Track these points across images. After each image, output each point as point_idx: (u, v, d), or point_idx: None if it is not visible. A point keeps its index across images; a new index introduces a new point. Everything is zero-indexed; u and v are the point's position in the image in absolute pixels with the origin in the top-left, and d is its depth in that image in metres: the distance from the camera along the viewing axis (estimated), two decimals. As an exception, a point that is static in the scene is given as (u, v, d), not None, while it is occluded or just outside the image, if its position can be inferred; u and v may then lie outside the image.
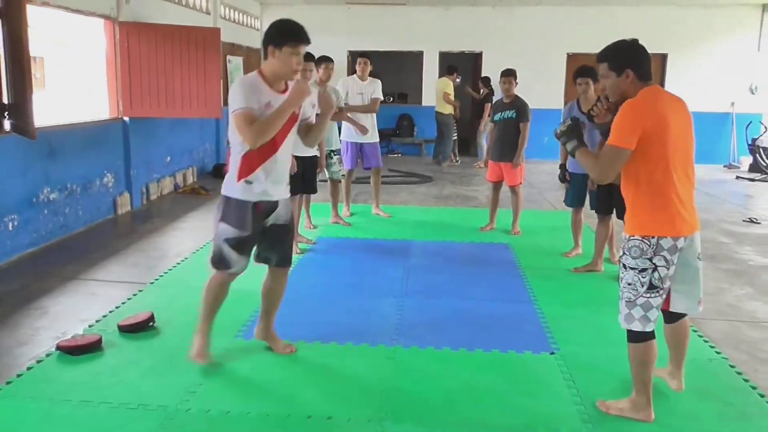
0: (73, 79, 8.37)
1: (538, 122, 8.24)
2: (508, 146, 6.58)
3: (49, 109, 7.62)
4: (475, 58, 13.88)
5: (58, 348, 3.70)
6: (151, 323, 4.07)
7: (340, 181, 7.04)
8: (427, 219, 7.57)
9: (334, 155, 6.82)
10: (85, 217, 6.80)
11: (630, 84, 2.99)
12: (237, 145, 3.28)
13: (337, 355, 3.78)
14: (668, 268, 2.88)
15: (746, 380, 3.54)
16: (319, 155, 6.09)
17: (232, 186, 3.31)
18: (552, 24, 13.10)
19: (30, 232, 5.84)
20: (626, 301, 2.95)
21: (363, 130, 7.00)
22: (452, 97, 12.15)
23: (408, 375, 3.54)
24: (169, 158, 8.98)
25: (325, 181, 6.98)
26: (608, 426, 3.04)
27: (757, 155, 11.85)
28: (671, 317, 3.24)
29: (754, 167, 11.89)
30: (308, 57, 5.77)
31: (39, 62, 8.33)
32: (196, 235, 6.51)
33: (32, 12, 5.82)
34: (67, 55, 8.32)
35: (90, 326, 4.11)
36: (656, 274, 2.87)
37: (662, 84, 13.21)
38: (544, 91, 12.71)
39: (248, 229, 3.30)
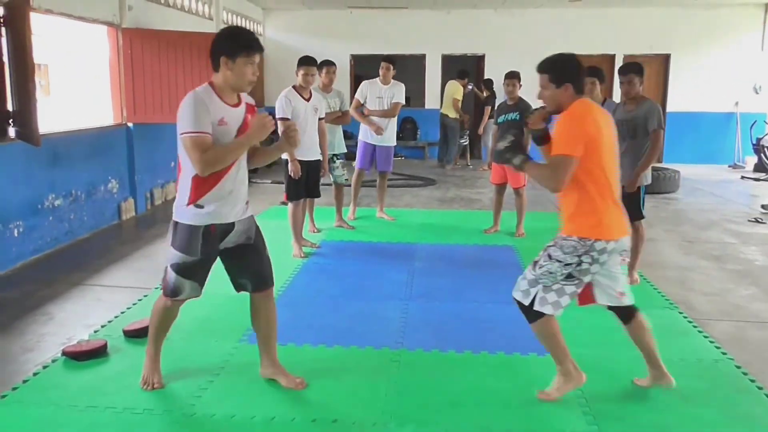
0: (78, 86, 8.39)
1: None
2: (511, 148, 6.56)
3: (54, 116, 7.63)
4: (478, 61, 13.88)
5: (64, 353, 3.71)
6: (156, 328, 4.07)
7: (344, 185, 7.04)
8: (431, 222, 7.57)
9: (338, 159, 6.83)
10: (90, 223, 6.82)
11: (568, 96, 3.12)
12: (185, 166, 3.07)
13: (341, 358, 3.78)
14: (591, 266, 3.08)
15: (752, 381, 3.53)
16: (322, 159, 6.10)
17: (182, 210, 3.08)
18: (554, 26, 13.08)
19: (35, 239, 5.86)
20: (543, 285, 3.13)
21: (378, 131, 7.00)
22: (460, 104, 12.16)
23: (413, 378, 3.54)
24: (173, 163, 8.99)
25: (329, 185, 6.99)
26: (614, 427, 3.04)
27: (762, 155, 11.81)
28: (624, 317, 3.37)
29: (759, 167, 11.86)
30: (311, 61, 5.79)
31: (43, 69, 8.34)
32: (200, 240, 6.51)
33: (36, 19, 5.85)
34: (71, 62, 8.33)
35: (95, 332, 4.12)
36: (578, 268, 3.08)
37: (665, 85, 13.24)
38: (548, 92, 12.68)
39: (197, 254, 3.07)
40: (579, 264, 3.07)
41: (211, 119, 2.99)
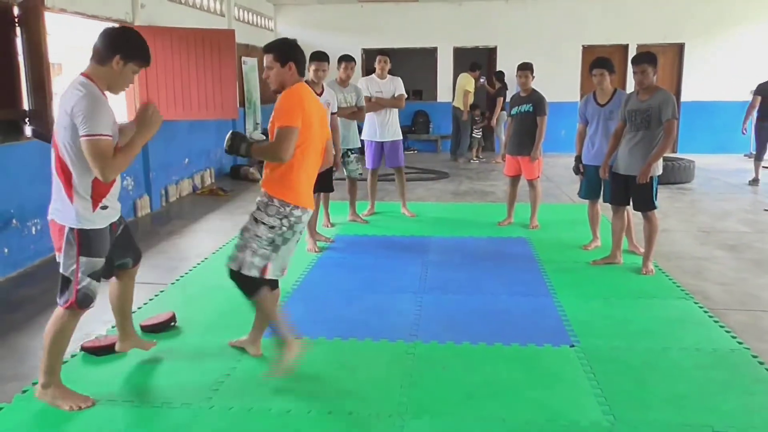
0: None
1: (555, 115, 8.21)
2: (525, 140, 6.56)
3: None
4: (490, 53, 13.83)
5: (82, 349, 3.76)
6: (172, 323, 4.12)
7: (357, 180, 7.05)
8: (445, 215, 7.57)
9: (352, 153, 6.83)
10: (106, 220, 6.88)
11: (291, 76, 3.36)
12: (85, 169, 2.89)
13: (356, 351, 3.80)
14: (290, 233, 3.34)
15: (769, 370, 3.52)
16: (335, 154, 6.10)
17: (87, 217, 2.95)
18: (566, 16, 13.02)
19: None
20: (251, 250, 3.26)
21: (392, 104, 7.00)
22: (472, 97, 12.13)
23: (428, 370, 3.55)
24: (187, 160, 9.06)
25: (343, 179, 7.00)
26: (629, 416, 3.04)
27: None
28: (273, 285, 3.50)
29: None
30: (322, 57, 5.79)
31: (57, 68, 8.41)
32: (215, 236, 6.57)
33: (50, 19, 5.90)
34: (86, 60, 8.40)
35: (113, 327, 4.15)
36: (279, 233, 3.29)
37: (680, 74, 13.11)
38: (560, 84, 12.65)
39: (106, 253, 3.10)
40: (280, 228, 3.30)
41: (112, 122, 2.96)
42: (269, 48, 3.41)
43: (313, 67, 5.73)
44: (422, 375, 3.49)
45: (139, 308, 4.50)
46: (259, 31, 12.62)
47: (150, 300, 4.67)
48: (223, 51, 7.99)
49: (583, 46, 13.13)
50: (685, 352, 3.76)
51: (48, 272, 5.40)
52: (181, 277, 5.23)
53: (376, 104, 6.97)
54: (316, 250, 5.88)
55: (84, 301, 3.06)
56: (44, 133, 5.50)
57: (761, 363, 3.61)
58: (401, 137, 7.27)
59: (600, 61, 5.59)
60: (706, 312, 4.39)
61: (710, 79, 12.88)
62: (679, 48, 13.03)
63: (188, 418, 3.06)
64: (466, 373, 3.51)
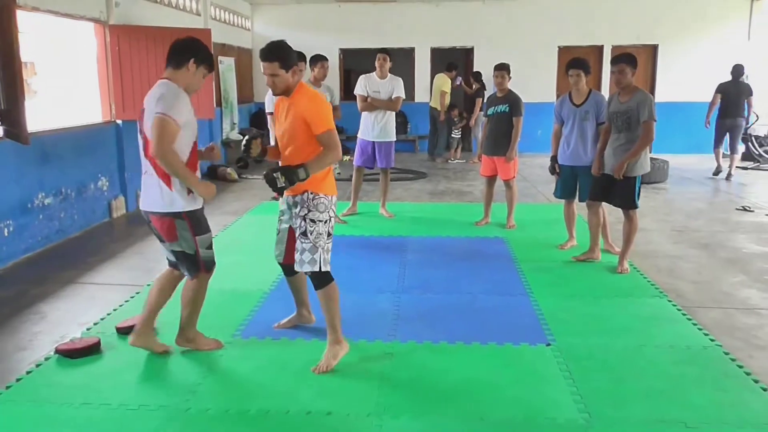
0: (66, 84, 8.35)
1: (532, 116, 8.27)
2: (501, 140, 6.61)
3: (42, 114, 7.59)
4: (467, 53, 13.90)
5: (57, 351, 3.72)
6: (149, 325, 4.09)
7: (335, 179, 7.02)
8: (423, 215, 7.59)
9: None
10: (81, 222, 6.81)
11: (295, 80, 3.51)
12: (184, 154, 3.36)
13: (335, 351, 3.80)
14: (333, 220, 3.61)
15: (740, 366, 3.58)
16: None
17: (188, 200, 3.40)
18: (542, 17, 13.13)
19: (26, 238, 5.85)
20: (321, 248, 3.50)
21: (388, 105, 6.91)
22: (448, 97, 12.17)
23: (406, 369, 3.56)
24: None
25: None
26: (605, 414, 3.07)
27: (749, 144, 11.89)
28: (290, 272, 3.89)
29: (747, 156, 11.93)
30: (299, 56, 5.77)
31: (30, 67, 8.29)
32: (192, 236, 6.51)
33: (22, 17, 5.82)
34: (58, 59, 8.29)
35: (88, 329, 4.12)
36: (331, 224, 3.58)
37: (654, 74, 13.29)
38: (537, 84, 12.75)
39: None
40: (330, 220, 3.58)
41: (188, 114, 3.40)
42: (271, 56, 3.41)
43: (290, 67, 5.71)
44: (400, 374, 3.50)
45: (114, 310, 4.46)
46: (236, 30, 12.55)
47: (126, 301, 4.63)
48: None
49: (559, 46, 13.25)
50: (659, 349, 3.81)
51: (21, 274, 5.34)
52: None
53: (370, 105, 6.91)
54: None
55: (210, 266, 3.59)
56: (16, 133, 5.43)
57: (733, 359, 3.67)
58: (394, 139, 7.22)
59: (576, 61, 5.65)
60: (679, 310, 4.45)
61: (684, 79, 13.06)
62: (653, 49, 13.21)
63: (165, 420, 3.04)
64: (443, 372, 3.53)
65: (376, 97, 6.90)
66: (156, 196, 3.37)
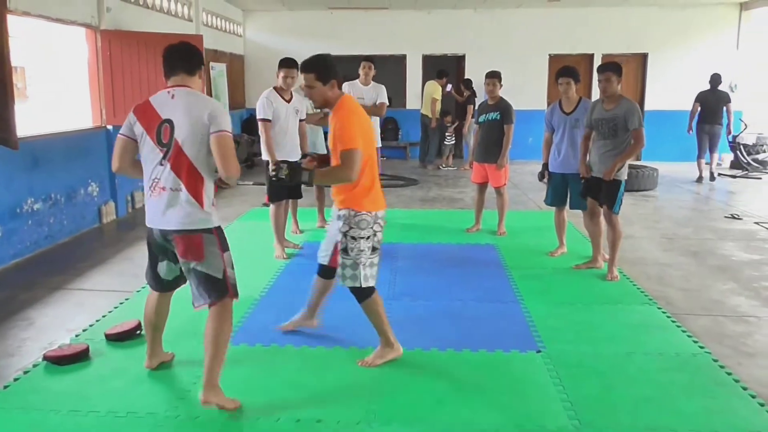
0: (56, 89, 8.32)
1: (523, 123, 8.30)
2: (492, 148, 6.63)
3: (32, 119, 7.56)
4: (458, 61, 13.94)
5: (45, 358, 3.69)
6: (138, 332, 4.07)
7: (325, 186, 7.04)
8: (414, 221, 7.59)
9: (320, 160, 6.82)
10: (70, 227, 6.77)
11: (333, 93, 3.52)
12: (211, 173, 3.13)
13: (325, 358, 3.79)
14: (381, 233, 3.62)
15: (729, 374, 3.59)
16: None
17: (213, 215, 3.15)
18: (533, 26, 13.19)
19: (14, 243, 5.81)
20: (362, 264, 3.52)
21: (372, 111, 6.78)
22: (439, 104, 12.20)
23: (396, 376, 3.56)
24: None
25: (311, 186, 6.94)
26: (594, 420, 3.08)
27: (738, 152, 11.98)
28: (325, 274, 3.93)
29: (736, 164, 12.03)
30: (291, 63, 5.78)
31: (20, 72, 8.26)
32: (182, 242, 6.49)
33: (13, 22, 5.80)
34: (49, 64, 8.27)
35: (77, 336, 4.10)
36: (375, 239, 3.58)
37: (643, 83, 13.37)
38: (528, 92, 12.81)
39: None
40: (374, 234, 3.57)
41: None
42: (309, 67, 3.48)
43: (282, 74, 5.73)
44: (391, 382, 3.50)
45: (103, 316, 4.44)
46: (228, 36, 12.55)
47: (115, 308, 4.61)
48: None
49: (549, 55, 13.32)
50: (649, 357, 3.83)
51: (9, 280, 5.30)
52: (147, 284, 5.14)
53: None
54: (284, 257, 5.85)
55: (237, 292, 3.21)
56: (5, 138, 5.40)
57: (722, 366, 3.69)
58: (380, 145, 7.22)
59: (566, 69, 5.68)
60: (669, 317, 4.47)
61: (673, 88, 13.14)
62: (643, 58, 13.30)
63: (154, 427, 3.02)
64: (434, 379, 3.53)
65: (361, 104, 6.89)
66: (183, 213, 3.03)
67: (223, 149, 2.99)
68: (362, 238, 3.51)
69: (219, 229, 3.18)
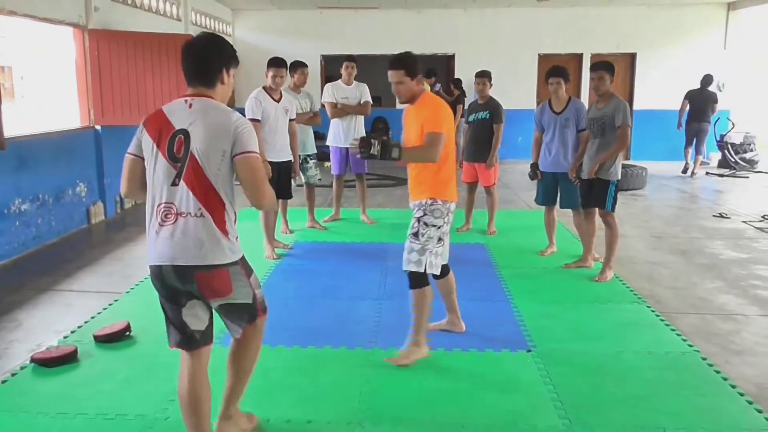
0: (44, 88, 8.27)
1: (512, 122, 8.32)
2: (482, 147, 6.64)
3: (19, 119, 7.51)
4: (448, 60, 13.96)
5: (33, 360, 3.66)
6: (127, 333, 4.05)
7: (316, 185, 7.04)
8: (404, 221, 7.47)
9: (310, 159, 6.83)
10: (58, 228, 6.73)
11: (419, 88, 3.70)
12: (233, 196, 2.62)
13: (316, 358, 3.79)
14: (448, 226, 3.74)
15: (717, 372, 3.61)
16: (293, 161, 6.09)
17: (238, 246, 2.63)
18: (523, 25, 13.22)
19: (2, 244, 5.77)
20: (429, 251, 3.62)
21: (358, 110, 6.95)
22: None
23: (387, 377, 3.55)
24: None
25: (300, 186, 6.96)
26: (585, 419, 3.09)
27: (726, 151, 12.06)
28: (439, 274, 3.86)
29: (723, 163, 12.11)
30: (280, 63, 5.77)
31: (7, 71, 8.21)
32: (171, 242, 6.46)
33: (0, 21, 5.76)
34: (37, 64, 8.21)
35: (65, 337, 4.07)
36: (444, 230, 3.69)
37: (632, 82, 13.43)
38: (517, 91, 12.83)
39: None
40: (443, 226, 3.69)
41: None
42: (400, 64, 3.63)
43: (271, 73, 5.72)
44: (381, 382, 3.49)
45: (93, 317, 4.41)
46: (217, 36, 12.49)
47: (104, 309, 4.58)
48: (179, 56, 7.86)
49: (539, 54, 13.35)
50: (638, 355, 3.84)
51: (-3, 281, 5.26)
52: (136, 285, 5.13)
53: (341, 110, 6.94)
54: (275, 257, 5.84)
55: (266, 306, 2.88)
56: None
57: (710, 365, 3.71)
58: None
59: (556, 69, 5.69)
60: (658, 315, 4.49)
61: (662, 88, 13.21)
62: (632, 57, 13.36)
63: (143, 429, 3.00)
64: (424, 379, 3.53)
65: (346, 104, 6.94)
66: (204, 245, 2.48)
67: (253, 174, 2.53)
68: (434, 226, 3.63)
69: (243, 258, 2.67)
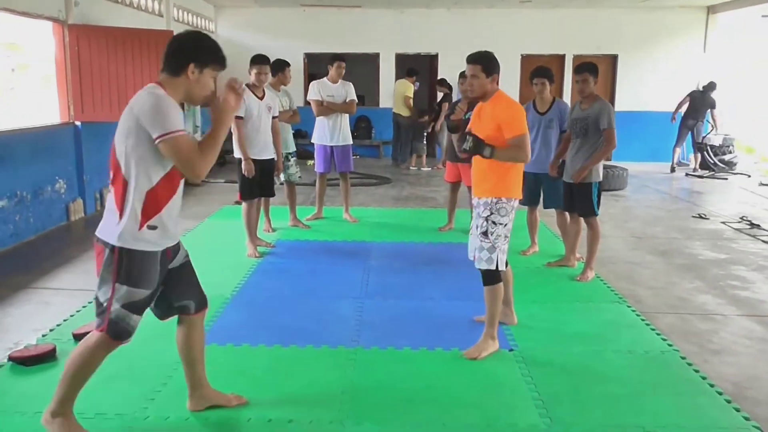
0: (23, 84, 8.15)
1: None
2: (464, 147, 6.64)
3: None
4: (431, 60, 13.97)
5: (10, 359, 3.61)
6: (106, 331, 3.99)
7: (296, 183, 7.01)
8: (386, 220, 7.59)
9: (291, 157, 6.81)
10: (37, 225, 6.64)
11: (492, 86, 3.80)
12: (140, 178, 2.60)
13: (297, 357, 3.77)
14: (512, 222, 3.83)
15: (696, 371, 3.65)
16: (276, 158, 6.06)
17: (132, 234, 2.60)
18: (506, 26, 13.26)
19: (-22, 241, 5.68)
20: (499, 249, 3.75)
21: (344, 108, 6.95)
22: (412, 102, 12.21)
23: (369, 376, 3.55)
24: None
25: (282, 184, 6.92)
26: (565, 418, 3.10)
27: (705, 153, 12.20)
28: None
29: (703, 165, 12.25)
30: (263, 60, 5.75)
31: (-15, 66, 8.07)
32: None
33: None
34: (15, 58, 8.09)
35: (43, 336, 4.02)
36: (509, 227, 3.81)
37: (614, 83, 13.56)
38: (500, 92, 12.83)
39: (153, 285, 2.70)
40: (508, 223, 3.79)
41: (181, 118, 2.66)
42: (477, 60, 3.76)
43: (254, 71, 5.70)
44: (363, 381, 3.49)
45: (71, 316, 4.36)
46: (199, 32, 12.39)
47: (83, 307, 4.52)
48: (161, 52, 7.75)
49: (522, 55, 13.41)
50: (619, 354, 3.87)
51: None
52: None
53: (327, 108, 6.93)
54: (257, 255, 5.81)
55: (116, 333, 2.67)
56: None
57: (689, 364, 3.75)
58: (351, 142, 7.26)
59: (541, 70, 5.71)
60: (638, 315, 4.53)
61: (642, 89, 13.34)
62: (613, 59, 13.46)
63: (122, 428, 2.97)
64: (407, 378, 3.53)
65: (332, 101, 6.92)
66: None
67: (172, 155, 2.57)
68: (501, 224, 3.74)
69: (131, 253, 2.63)
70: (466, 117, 3.86)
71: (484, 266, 3.76)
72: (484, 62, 3.74)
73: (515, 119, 3.70)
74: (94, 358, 2.73)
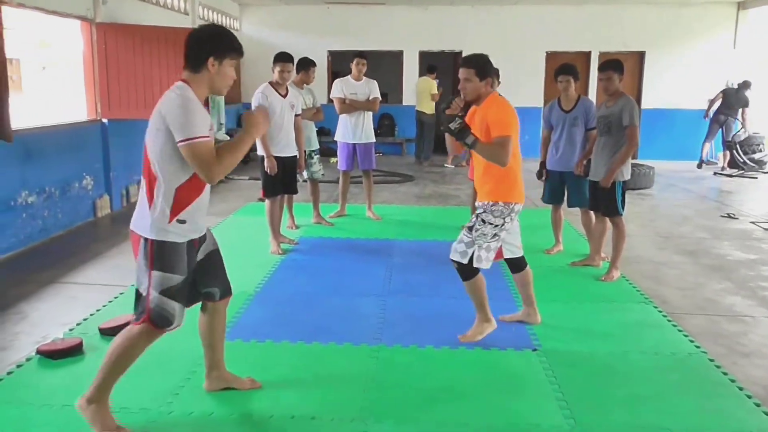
0: (52, 81, 8.27)
1: (520, 120, 8.26)
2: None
3: (27, 111, 7.51)
4: (455, 57, 13.90)
5: (38, 352, 3.67)
6: (132, 326, 4.04)
7: (319, 181, 7.03)
8: (409, 218, 7.58)
9: (315, 155, 6.82)
10: (65, 221, 6.74)
11: (486, 90, 3.76)
12: (170, 175, 2.74)
13: (320, 355, 3.78)
14: (510, 224, 3.84)
15: (725, 373, 3.59)
16: (298, 156, 6.08)
17: (163, 227, 2.75)
18: (531, 22, 13.17)
19: (8, 237, 5.77)
20: (478, 246, 3.74)
21: (367, 106, 6.96)
22: (438, 98, 12.15)
23: (391, 374, 3.55)
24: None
25: (305, 181, 6.93)
26: (589, 419, 3.07)
27: (734, 151, 12.00)
28: (515, 268, 4.15)
29: (732, 163, 12.05)
30: (287, 58, 5.77)
31: (15, 64, 8.20)
32: (177, 237, 6.46)
33: (8, 13, 5.75)
34: (45, 56, 8.21)
35: (71, 330, 4.07)
36: (502, 228, 3.79)
37: (640, 81, 13.39)
38: (525, 89, 12.77)
39: (186, 272, 2.84)
40: (503, 225, 3.78)
41: (209, 125, 2.77)
42: (470, 63, 3.74)
43: (278, 68, 5.71)
44: (386, 379, 3.48)
45: (98, 310, 4.41)
46: (224, 30, 12.47)
47: (109, 302, 4.58)
48: (186, 50, 7.86)
49: (546, 52, 13.30)
50: (644, 356, 3.82)
51: (2, 274, 5.27)
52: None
53: (350, 106, 6.94)
54: (280, 252, 5.83)
55: (159, 321, 2.81)
56: (1, 130, 5.36)
57: (717, 366, 3.68)
58: (374, 140, 7.26)
59: (566, 67, 5.66)
60: (665, 316, 4.47)
61: (669, 87, 13.15)
62: (640, 56, 13.29)
63: (146, 423, 3.00)
64: (429, 377, 3.52)
65: (355, 99, 6.93)
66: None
67: (190, 160, 2.67)
68: (491, 224, 3.75)
69: (162, 244, 2.80)
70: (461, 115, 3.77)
71: (457, 257, 3.79)
72: (478, 66, 3.72)
73: (503, 121, 3.67)
74: (135, 347, 2.85)
